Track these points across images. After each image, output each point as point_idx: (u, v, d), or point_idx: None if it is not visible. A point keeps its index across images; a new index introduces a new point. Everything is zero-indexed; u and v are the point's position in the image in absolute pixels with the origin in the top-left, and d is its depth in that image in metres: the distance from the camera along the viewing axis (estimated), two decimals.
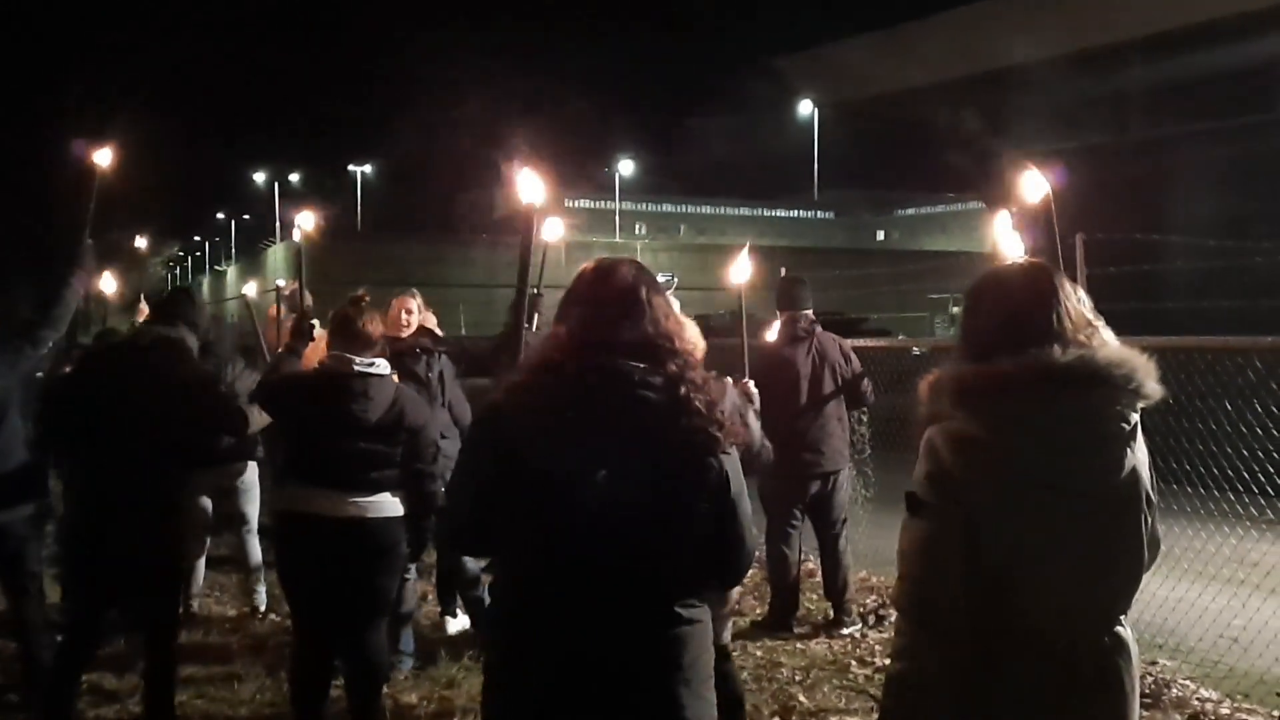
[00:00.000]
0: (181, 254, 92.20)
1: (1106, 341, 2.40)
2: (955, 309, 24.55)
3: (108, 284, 9.04)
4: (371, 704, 4.72)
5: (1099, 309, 2.48)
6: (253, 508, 7.07)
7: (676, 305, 3.40)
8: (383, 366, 4.69)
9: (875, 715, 5.22)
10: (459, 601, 6.48)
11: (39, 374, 5.73)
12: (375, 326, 4.77)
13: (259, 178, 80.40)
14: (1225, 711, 5.22)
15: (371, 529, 4.56)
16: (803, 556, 7.12)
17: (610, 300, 2.63)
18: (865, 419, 8.00)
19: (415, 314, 6.27)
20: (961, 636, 2.30)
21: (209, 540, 7.21)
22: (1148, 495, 2.38)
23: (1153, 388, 2.34)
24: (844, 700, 5.52)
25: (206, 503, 6.96)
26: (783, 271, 9.20)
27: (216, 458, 6.42)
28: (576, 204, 71.54)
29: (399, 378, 4.87)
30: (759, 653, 6.20)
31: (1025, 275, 2.50)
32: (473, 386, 6.35)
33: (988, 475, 2.32)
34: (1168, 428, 5.33)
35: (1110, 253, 6.94)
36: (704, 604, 2.64)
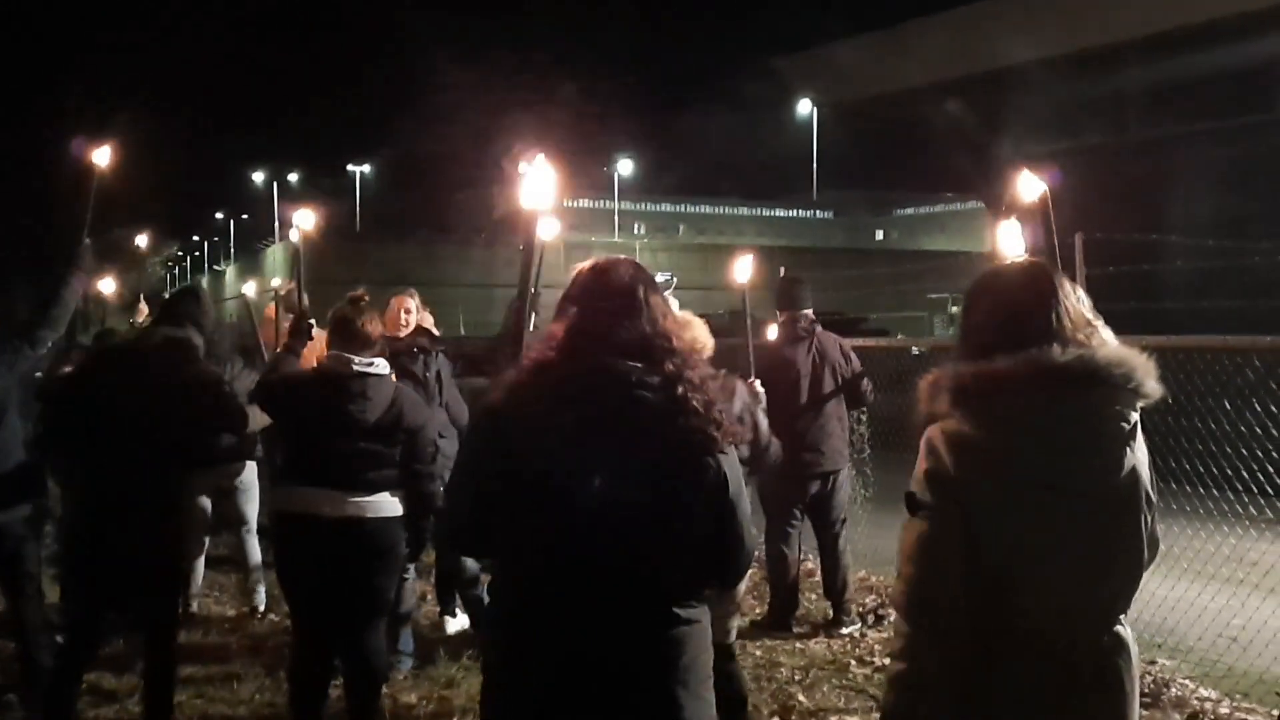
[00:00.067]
0: (180, 254, 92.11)
1: (1106, 341, 2.40)
2: (954, 308, 24.58)
3: (107, 284, 9.04)
4: (370, 704, 4.72)
5: (1098, 308, 2.48)
6: (252, 508, 7.07)
7: (675, 305, 3.39)
8: (382, 366, 4.68)
9: (875, 714, 5.23)
10: (458, 601, 6.48)
11: (37, 374, 5.72)
12: (374, 326, 4.77)
13: (258, 177, 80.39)
14: (1225, 711, 5.23)
15: (370, 529, 4.56)
16: (802, 556, 7.13)
17: (608, 300, 2.63)
18: (864, 419, 8.00)
19: (414, 314, 6.27)
20: (961, 636, 2.30)
21: (208, 540, 7.21)
22: (1147, 495, 2.38)
23: (1152, 387, 2.34)
24: (843, 700, 5.52)
25: (206, 503, 6.96)
26: (782, 271, 9.22)
27: (216, 458, 6.42)
28: (575, 203, 71.51)
29: (396, 377, 4.87)
30: (758, 652, 6.20)
31: (1025, 275, 2.50)
32: (471, 386, 6.35)
33: (987, 475, 2.31)
34: (1167, 427, 5.33)
35: (1109, 252, 6.95)
36: (703, 604, 2.64)
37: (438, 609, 6.66)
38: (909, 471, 2.44)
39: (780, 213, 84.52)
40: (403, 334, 6.05)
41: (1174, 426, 6.34)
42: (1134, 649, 2.42)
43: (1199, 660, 5.79)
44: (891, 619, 6.32)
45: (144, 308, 9.25)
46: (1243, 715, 5.19)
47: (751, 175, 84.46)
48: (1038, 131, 17.21)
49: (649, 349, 2.58)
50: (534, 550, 2.54)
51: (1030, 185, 3.20)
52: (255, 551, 7.06)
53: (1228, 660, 5.71)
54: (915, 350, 10.08)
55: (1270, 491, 6.70)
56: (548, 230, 5.86)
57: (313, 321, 5.43)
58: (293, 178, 74.98)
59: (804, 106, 61.75)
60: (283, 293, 7.64)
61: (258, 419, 5.16)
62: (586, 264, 2.74)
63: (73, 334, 7.44)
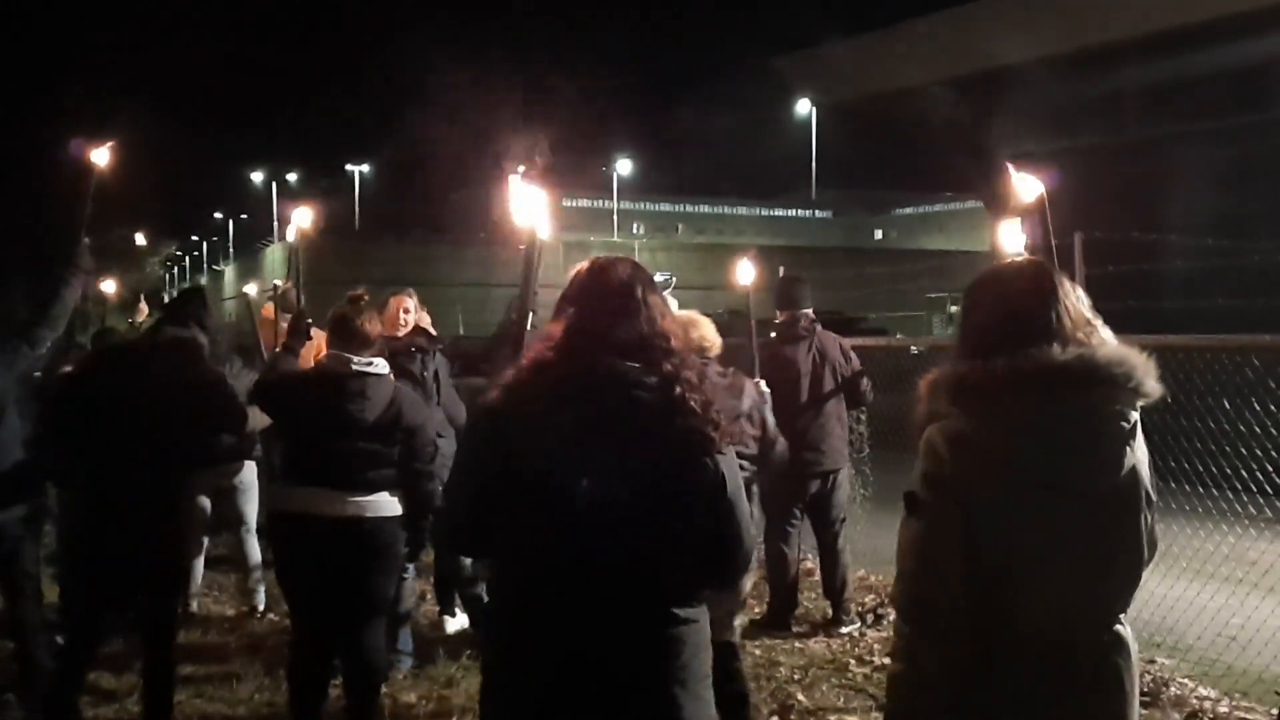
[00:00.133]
0: (179, 253, 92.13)
1: (1105, 340, 2.40)
2: (953, 308, 24.58)
3: (107, 284, 9.04)
4: (370, 703, 4.72)
5: (1096, 308, 2.48)
6: (251, 507, 7.07)
7: (674, 304, 3.40)
8: (381, 366, 4.68)
9: (874, 714, 5.24)
10: (457, 601, 6.48)
11: (36, 374, 5.72)
12: (373, 326, 4.77)
13: (256, 177, 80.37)
14: (1224, 710, 5.23)
15: (369, 529, 4.56)
16: (801, 555, 7.13)
17: (606, 299, 2.62)
18: (864, 418, 8.01)
19: (412, 313, 6.28)
20: (960, 636, 2.30)
21: (207, 540, 7.21)
22: (1147, 494, 2.38)
23: (1152, 386, 2.34)
24: (842, 699, 5.52)
25: (205, 502, 6.96)
26: (781, 271, 9.21)
27: (216, 458, 6.42)
28: (574, 203, 71.49)
29: (394, 376, 4.87)
30: (758, 651, 6.20)
31: (1024, 274, 2.50)
32: (470, 386, 6.35)
33: (986, 474, 2.31)
34: (1166, 426, 5.33)
35: (1108, 252, 6.95)
36: (701, 604, 2.64)
37: (437, 608, 6.66)
38: (908, 471, 2.44)
39: (779, 212, 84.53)
40: (401, 334, 6.06)
41: (1173, 426, 6.34)
42: (1134, 648, 2.42)
43: (1198, 659, 5.80)
44: (891, 618, 6.33)
45: (144, 307, 9.27)
46: (1242, 714, 5.20)
47: (750, 175, 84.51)
48: (1036, 131, 17.20)
49: (647, 349, 2.58)
50: (532, 550, 2.54)
51: (1028, 185, 3.21)
52: (254, 551, 7.06)
53: (1227, 659, 5.71)
54: (914, 349, 10.08)
55: (1269, 490, 6.70)
56: (544, 230, 5.88)
57: (310, 321, 5.43)
58: (291, 177, 75.01)
59: (803, 106, 61.79)
60: (279, 292, 7.65)
61: (258, 419, 5.15)
62: (585, 263, 2.74)
63: (72, 333, 7.44)
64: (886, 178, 76.78)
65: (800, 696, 5.51)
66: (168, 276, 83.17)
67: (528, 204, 3.16)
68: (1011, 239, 3.36)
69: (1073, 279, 2.53)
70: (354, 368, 4.59)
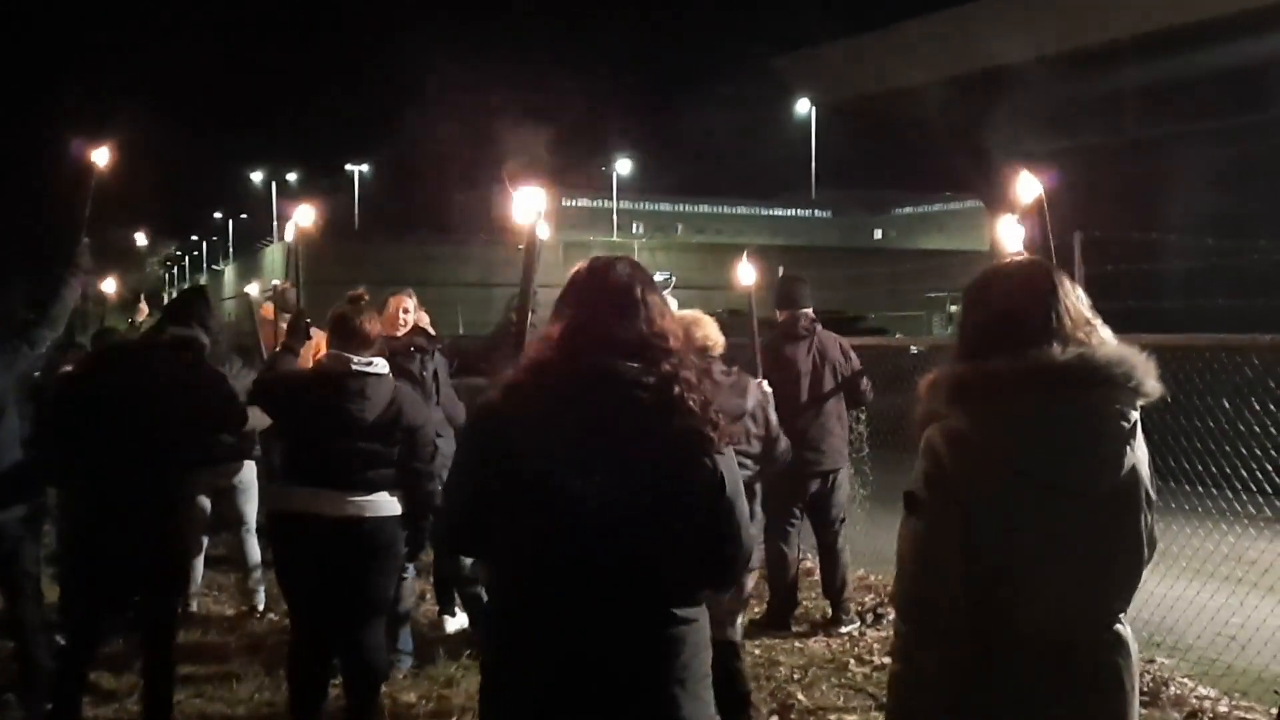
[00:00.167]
0: (179, 253, 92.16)
1: (1105, 340, 2.40)
2: (952, 307, 24.59)
3: (106, 284, 9.03)
4: (370, 703, 4.72)
5: (1096, 307, 2.48)
6: (251, 507, 7.07)
7: (674, 304, 3.40)
8: (380, 366, 4.68)
9: (874, 713, 5.24)
10: (457, 600, 6.48)
11: (36, 374, 5.72)
12: (373, 325, 4.77)
13: (256, 177, 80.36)
14: (1223, 709, 5.23)
15: (369, 528, 4.56)
16: (801, 555, 7.13)
17: (605, 299, 2.62)
18: (863, 418, 8.01)
19: (411, 313, 6.28)
20: (960, 636, 2.30)
21: (207, 540, 7.21)
22: (1147, 493, 2.38)
23: (1152, 386, 2.34)
24: (842, 698, 5.52)
25: (205, 502, 6.96)
26: (780, 271, 9.21)
27: (216, 457, 6.42)
28: (574, 203, 71.54)
29: (393, 376, 4.87)
30: (757, 651, 6.19)
31: (1024, 273, 2.50)
32: (469, 385, 6.35)
33: (986, 474, 2.31)
34: (1165, 426, 5.33)
35: (1107, 251, 6.95)
36: (701, 603, 2.64)
37: (437, 608, 6.66)
38: (908, 471, 2.44)
39: (779, 212, 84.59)
40: (400, 333, 6.06)
41: (1172, 425, 6.35)
42: (1134, 647, 2.42)
43: (1198, 659, 5.80)
44: (890, 618, 6.33)
45: (144, 307, 9.26)
46: (1241, 713, 5.20)
47: (750, 174, 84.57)
48: (1035, 130, 17.20)
49: (646, 348, 2.57)
50: (531, 550, 2.54)
51: (1027, 185, 3.21)
52: (254, 551, 7.06)
53: (1226, 658, 5.71)
54: (914, 349, 10.09)
55: (1269, 490, 6.71)
56: (543, 230, 5.89)
57: (309, 321, 5.44)
58: (291, 177, 75.00)
59: (802, 106, 61.80)
60: (278, 292, 7.65)
61: (258, 419, 5.15)
62: (584, 263, 2.74)
63: (72, 333, 7.44)
64: (886, 177, 76.80)
65: (800, 696, 5.51)
66: (167, 276, 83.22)
67: (527, 204, 3.17)
68: (1010, 238, 3.36)
69: (1072, 278, 2.53)
70: (354, 367, 4.59)
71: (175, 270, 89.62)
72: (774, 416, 4.96)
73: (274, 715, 5.23)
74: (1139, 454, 2.37)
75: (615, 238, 63.41)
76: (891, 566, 2.49)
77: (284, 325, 6.38)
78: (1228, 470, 6.83)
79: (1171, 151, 16.06)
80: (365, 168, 77.62)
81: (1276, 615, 5.79)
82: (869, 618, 6.79)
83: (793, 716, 5.30)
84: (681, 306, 5.05)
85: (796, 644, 6.43)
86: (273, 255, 55.73)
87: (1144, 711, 5.03)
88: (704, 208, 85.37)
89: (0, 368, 4.96)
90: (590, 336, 2.57)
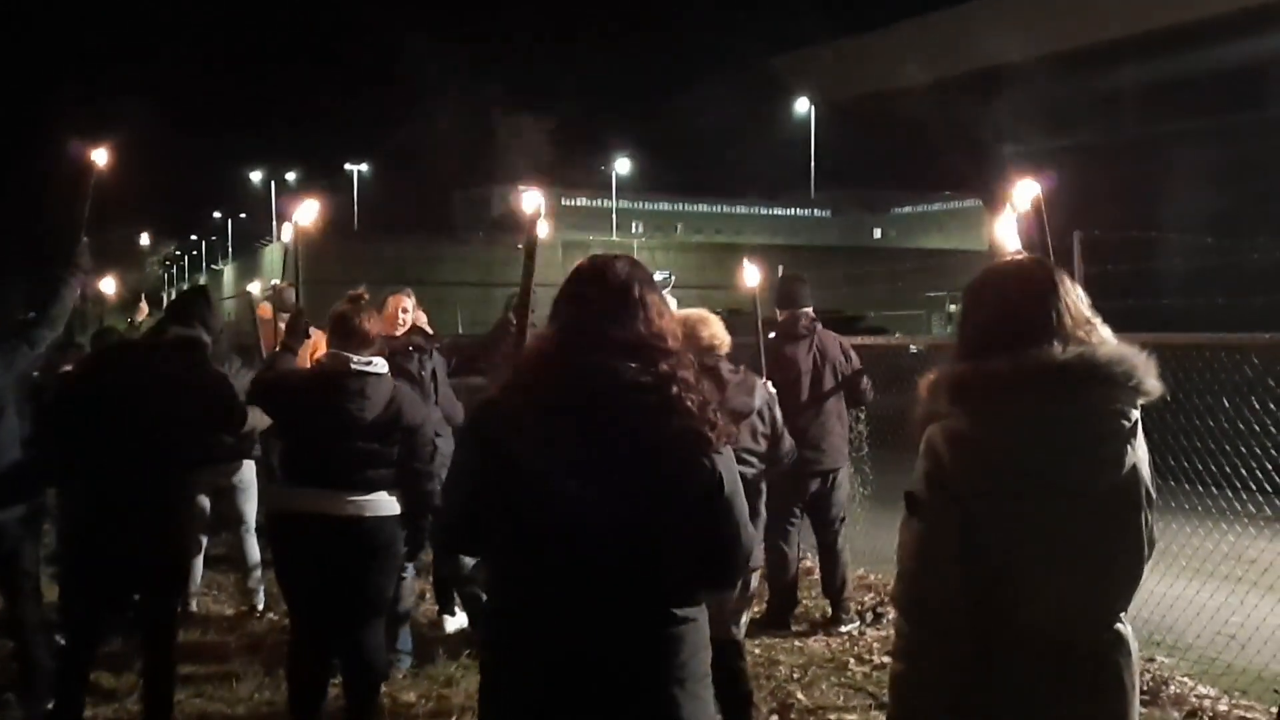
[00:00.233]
0: (178, 253, 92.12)
1: (1105, 339, 2.40)
2: (952, 307, 24.58)
3: (105, 283, 9.02)
4: (369, 702, 4.72)
5: (1095, 306, 2.48)
6: (250, 506, 7.07)
7: (673, 303, 3.40)
8: (380, 365, 4.68)
9: (874, 712, 5.24)
10: (457, 600, 6.48)
11: (35, 374, 5.72)
12: (373, 324, 4.76)
13: (255, 177, 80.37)
14: (1223, 708, 5.23)
15: (368, 528, 4.56)
16: (801, 554, 7.13)
17: (603, 299, 2.61)
18: (863, 417, 8.01)
19: (410, 312, 6.28)
20: (960, 635, 2.30)
21: (206, 539, 7.21)
22: (1148, 493, 2.38)
23: (1153, 384, 2.34)
24: (842, 698, 5.52)
25: (204, 502, 6.96)
26: (780, 270, 9.21)
27: (215, 457, 6.42)
28: (573, 202, 71.54)
29: (392, 375, 4.87)
30: (757, 650, 6.19)
31: (1024, 272, 2.50)
32: (468, 385, 6.35)
33: (987, 474, 2.31)
34: (1164, 425, 5.34)
35: (1106, 250, 6.95)
36: (700, 603, 2.64)
37: (436, 608, 6.66)
38: (908, 470, 2.44)
39: (778, 211, 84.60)
40: (399, 333, 6.06)
41: (1171, 424, 6.35)
42: (1134, 646, 2.42)
43: (1198, 658, 5.80)
44: (890, 617, 6.33)
45: (144, 306, 9.26)
46: (1241, 712, 5.20)
47: (749, 174, 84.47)
48: (1034, 129, 17.22)
49: (644, 348, 2.56)
50: (530, 549, 2.54)
51: (1025, 184, 3.21)
52: (254, 550, 7.06)
53: (1226, 657, 5.71)
54: (913, 348, 10.08)
55: (1269, 489, 6.71)
56: (543, 229, 5.89)
57: (308, 320, 5.43)
58: (290, 176, 74.98)
59: (802, 105, 61.83)
60: (275, 292, 7.65)
61: (258, 419, 5.15)
62: (583, 262, 2.73)
63: (71, 333, 7.43)
64: (885, 177, 76.79)
65: (800, 695, 5.51)
66: (166, 276, 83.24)
67: (527, 204, 3.18)
68: (1008, 237, 3.36)
69: (1072, 277, 2.52)
70: (353, 367, 4.59)
71: (174, 270, 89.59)
72: (780, 415, 4.96)
73: (274, 715, 5.23)
74: (1139, 453, 2.37)
75: (615, 237, 63.40)
76: (891, 566, 2.49)
77: (281, 325, 6.38)
78: (1227, 469, 6.84)
79: (1170, 150, 16.07)
80: (365, 167, 77.71)
81: (1276, 614, 5.79)
82: (869, 617, 6.79)
83: (792, 716, 5.30)
84: (681, 306, 5.05)
85: (796, 643, 6.43)
86: (272, 255, 55.71)
87: (1144, 710, 5.03)
88: (703, 207, 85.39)
89: (0, 367, 4.96)
90: (587, 336, 2.56)
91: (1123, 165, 16.40)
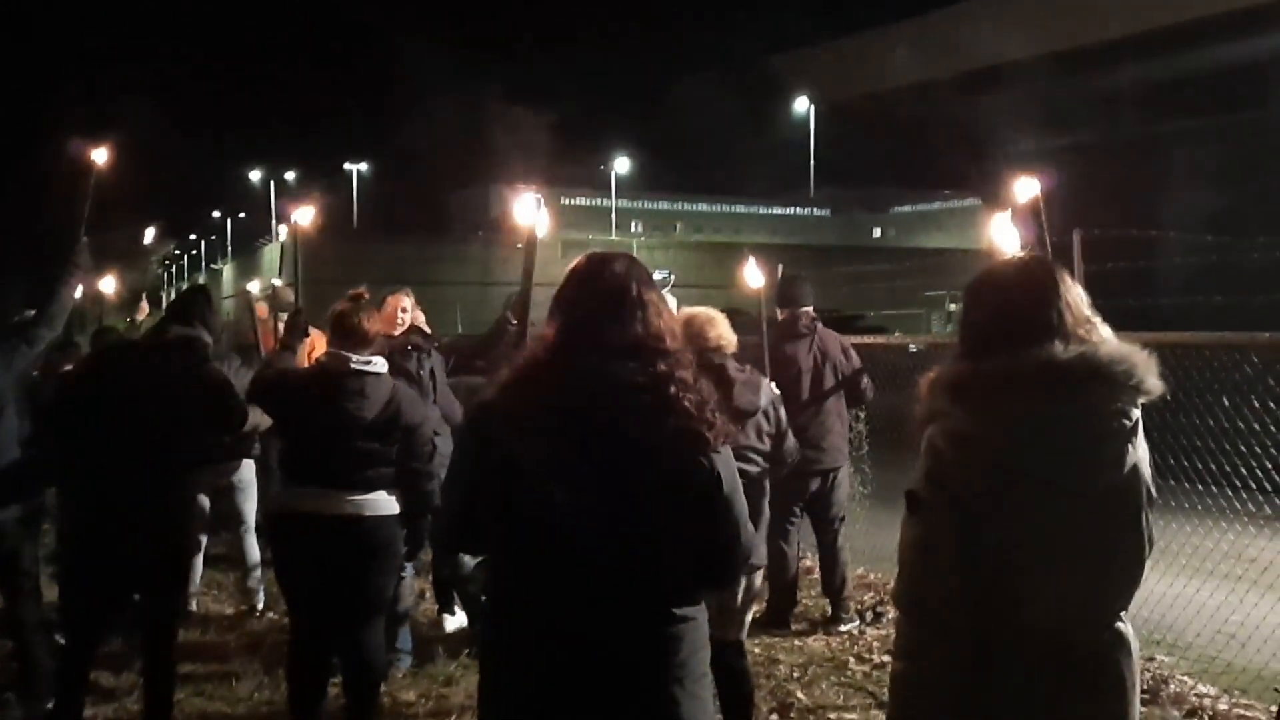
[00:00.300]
0: (178, 252, 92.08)
1: (1105, 338, 2.39)
2: (952, 306, 24.58)
3: (105, 283, 9.01)
4: (369, 702, 4.72)
5: (1095, 305, 2.48)
6: (250, 506, 7.07)
7: (673, 302, 3.39)
8: (379, 365, 4.68)
9: (874, 711, 5.24)
10: (456, 599, 6.48)
11: (34, 373, 5.72)
12: (373, 324, 4.75)
13: (254, 176, 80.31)
14: (1223, 707, 5.23)
15: (368, 527, 4.55)
16: (801, 553, 7.13)
17: (600, 298, 2.61)
18: (863, 416, 8.00)
19: (409, 312, 6.28)
20: (961, 634, 2.30)
21: (206, 539, 7.21)
22: (1148, 492, 2.37)
23: (1153, 384, 2.34)
24: (842, 697, 5.52)
25: (204, 501, 6.95)
26: (780, 269, 9.21)
27: (216, 457, 6.42)
28: (573, 201, 71.51)
29: (391, 374, 4.86)
30: (757, 649, 6.19)
31: (1025, 271, 2.50)
32: (467, 385, 6.35)
33: (988, 473, 2.31)
34: (1164, 424, 5.33)
35: (1105, 249, 6.95)
36: (699, 602, 2.64)
37: (436, 607, 6.65)
38: (908, 469, 2.44)
39: (778, 210, 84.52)
40: (398, 333, 6.06)
41: (1171, 423, 6.34)
42: (1134, 645, 2.42)
43: (1197, 656, 5.80)
44: (890, 616, 6.33)
45: (144, 306, 9.25)
46: (1241, 711, 5.20)
47: (749, 173, 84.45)
48: (1033, 129, 17.22)
49: (642, 348, 2.56)
50: (528, 549, 2.54)
51: (1024, 183, 3.21)
52: (253, 550, 7.05)
53: (1226, 656, 5.71)
54: (913, 348, 10.07)
55: (1268, 488, 6.71)
56: (542, 229, 5.89)
57: (307, 320, 5.43)
58: (289, 176, 74.96)
59: (801, 104, 61.78)
60: (273, 292, 7.65)
61: (258, 418, 5.15)
62: (581, 260, 2.72)
63: (70, 333, 7.43)
64: (885, 176, 76.70)
65: (799, 694, 5.51)
66: (166, 275, 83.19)
67: (526, 204, 3.17)
68: (1006, 236, 3.36)
69: (1072, 276, 2.52)
70: (353, 366, 4.58)
71: (174, 269, 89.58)
72: (784, 415, 4.97)
73: (274, 714, 5.23)
74: (1140, 452, 2.37)
75: (614, 236, 63.37)
76: (891, 565, 2.49)
77: (278, 324, 6.38)
78: (1227, 468, 6.83)
79: (1169, 149, 16.08)
80: (364, 167, 77.66)
81: (1276, 613, 5.79)
82: (869, 616, 6.78)
83: (792, 715, 5.29)
84: (681, 305, 5.04)
85: (796, 642, 6.43)
86: (271, 254, 55.71)
87: (1144, 709, 5.02)
88: (703, 206, 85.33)
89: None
90: (585, 337, 2.56)
91: (1122, 165, 16.41)
